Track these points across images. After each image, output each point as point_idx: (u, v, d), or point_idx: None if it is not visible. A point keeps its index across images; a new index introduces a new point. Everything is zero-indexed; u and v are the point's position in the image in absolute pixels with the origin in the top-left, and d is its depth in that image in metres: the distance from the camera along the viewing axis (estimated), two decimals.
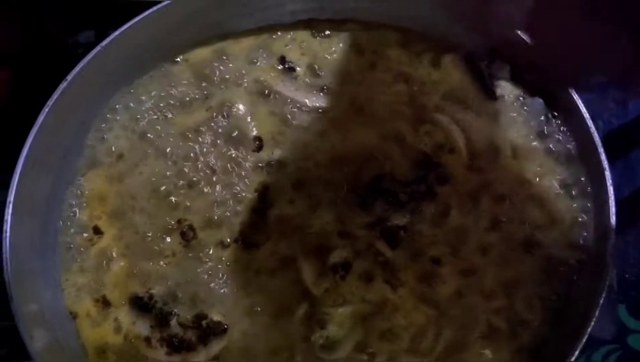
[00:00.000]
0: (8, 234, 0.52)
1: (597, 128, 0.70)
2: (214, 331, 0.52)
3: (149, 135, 0.62)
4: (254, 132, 0.61)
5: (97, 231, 0.57)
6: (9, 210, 0.53)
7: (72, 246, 0.57)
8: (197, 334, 0.52)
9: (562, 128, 0.59)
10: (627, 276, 0.66)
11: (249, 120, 0.62)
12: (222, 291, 0.54)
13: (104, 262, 0.56)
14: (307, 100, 0.63)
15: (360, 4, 0.67)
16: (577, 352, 0.47)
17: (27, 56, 0.85)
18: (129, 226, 0.58)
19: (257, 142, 0.61)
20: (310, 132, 0.61)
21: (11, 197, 0.53)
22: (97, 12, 0.92)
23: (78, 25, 0.89)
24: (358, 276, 0.55)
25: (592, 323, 0.47)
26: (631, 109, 0.75)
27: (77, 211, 0.59)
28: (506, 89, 0.62)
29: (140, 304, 0.53)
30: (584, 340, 0.47)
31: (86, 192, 0.59)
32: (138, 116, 0.62)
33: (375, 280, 0.54)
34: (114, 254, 0.56)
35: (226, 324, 0.53)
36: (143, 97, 0.63)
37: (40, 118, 0.56)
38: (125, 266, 0.56)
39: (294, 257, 0.55)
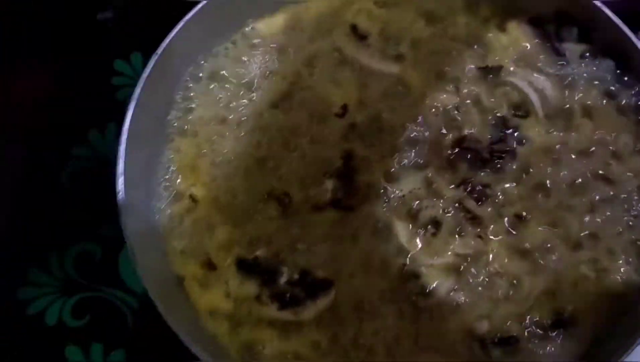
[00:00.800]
0: (122, 195, 0.54)
1: None
2: (321, 286, 0.55)
3: (232, 104, 0.64)
4: (336, 99, 0.63)
5: (193, 198, 0.60)
6: (120, 179, 0.55)
7: (171, 214, 0.59)
8: (304, 290, 0.55)
9: (634, 86, 0.61)
10: None
11: (330, 87, 0.64)
12: (323, 251, 0.57)
13: (205, 228, 0.58)
14: (383, 67, 0.65)
15: None
16: None
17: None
18: (224, 192, 0.60)
19: (342, 109, 0.63)
20: (389, 98, 0.64)
21: (120, 168, 0.55)
22: None
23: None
24: (449, 232, 0.57)
25: None
26: None
27: (172, 179, 0.61)
28: (575, 51, 0.64)
29: (246, 266, 0.56)
30: None
31: (177, 162, 0.62)
32: (219, 85, 0.65)
33: (466, 235, 0.57)
34: (214, 221, 0.59)
35: (332, 279, 0.55)
36: (224, 66, 0.65)
37: (137, 90, 0.59)
38: (226, 231, 0.58)
39: (387, 220, 0.58)
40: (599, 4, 0.62)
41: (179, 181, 0.61)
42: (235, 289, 0.55)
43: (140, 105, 0.58)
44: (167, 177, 0.61)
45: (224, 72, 0.66)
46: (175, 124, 0.64)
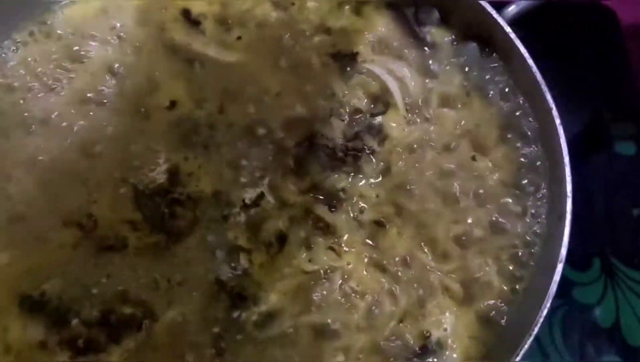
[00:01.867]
0: None
1: None
2: (127, 325, 0.43)
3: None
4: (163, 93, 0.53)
5: None
6: None
7: None
8: (105, 332, 0.43)
9: (499, 73, 0.55)
10: None
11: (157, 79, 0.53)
12: (132, 283, 0.45)
13: None
14: (220, 57, 0.55)
15: None
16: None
17: None
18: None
19: (170, 104, 0.52)
20: (225, 91, 0.53)
21: None
22: None
23: None
24: (297, 245, 0.47)
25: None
26: None
27: None
28: (437, 35, 0.57)
29: (31, 304, 0.43)
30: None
31: None
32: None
33: (317, 248, 0.47)
34: None
35: (141, 316, 0.44)
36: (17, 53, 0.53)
37: None
38: (9, 262, 0.45)
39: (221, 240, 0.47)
40: None
41: None
42: (17, 335, 0.42)
43: None
44: None
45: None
46: None
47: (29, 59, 0.54)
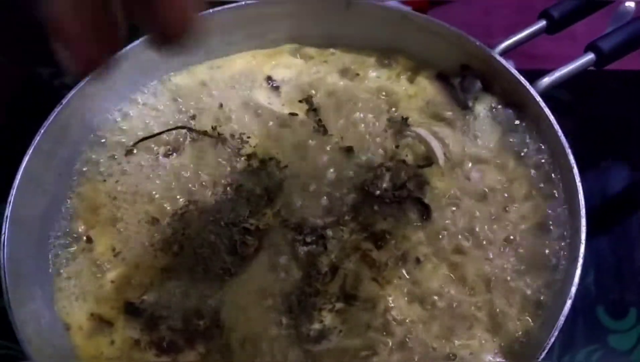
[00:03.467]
0: (5, 246, 0.54)
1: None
2: (200, 334, 0.53)
3: (135, 152, 0.65)
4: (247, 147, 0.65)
5: (89, 240, 0.59)
6: (5, 224, 0.55)
7: (65, 256, 0.58)
8: (183, 337, 0.53)
9: (532, 136, 0.63)
10: (603, 278, 0.68)
11: (241, 135, 0.65)
12: (211, 301, 0.55)
13: (97, 271, 0.57)
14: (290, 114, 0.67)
15: (343, 31, 0.72)
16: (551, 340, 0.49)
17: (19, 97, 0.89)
18: (122, 235, 0.59)
19: (251, 158, 0.64)
20: (297, 145, 0.65)
21: (8, 212, 0.55)
22: None
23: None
24: (345, 275, 0.56)
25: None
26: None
27: (70, 222, 0.61)
28: (478, 102, 0.66)
29: (133, 310, 0.55)
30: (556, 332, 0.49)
31: (79, 204, 0.62)
32: (125, 140, 0.66)
33: (363, 279, 0.56)
34: (107, 264, 0.58)
35: (215, 329, 0.54)
36: (131, 122, 0.66)
37: (36, 139, 0.59)
38: (118, 275, 0.57)
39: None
40: (497, 56, 0.64)
41: (76, 223, 0.61)
42: (120, 332, 0.54)
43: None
44: (67, 221, 0.61)
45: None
46: (79, 171, 0.63)
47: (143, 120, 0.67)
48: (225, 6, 0.70)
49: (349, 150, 0.63)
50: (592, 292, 0.68)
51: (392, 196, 0.60)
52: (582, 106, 0.80)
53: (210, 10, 0.69)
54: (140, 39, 0.65)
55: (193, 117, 0.67)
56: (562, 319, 0.49)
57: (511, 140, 0.63)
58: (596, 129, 0.78)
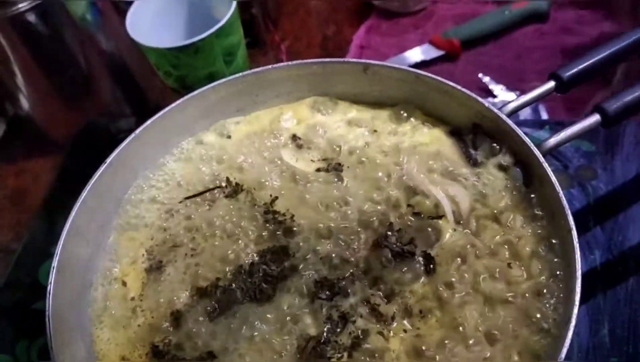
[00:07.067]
0: (51, 294, 0.61)
1: (586, 194, 0.77)
2: None
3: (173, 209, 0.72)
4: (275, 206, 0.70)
5: (124, 284, 0.66)
6: (52, 274, 0.62)
7: (103, 302, 0.66)
8: None
9: (538, 195, 0.65)
10: (618, 331, 0.69)
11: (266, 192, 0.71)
12: (233, 347, 0.61)
13: (130, 317, 0.64)
14: (314, 171, 0.73)
15: (362, 90, 0.77)
16: None
17: (78, 143, 0.99)
18: (156, 284, 0.66)
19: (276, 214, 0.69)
20: (320, 199, 0.70)
21: (55, 263, 0.63)
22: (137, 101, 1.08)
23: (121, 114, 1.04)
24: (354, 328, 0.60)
25: None
26: (618, 175, 0.81)
27: (111, 270, 0.68)
28: (489, 160, 0.69)
29: (159, 353, 0.61)
30: None
31: (119, 252, 0.69)
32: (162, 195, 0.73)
33: (370, 331, 0.60)
34: (139, 309, 0.64)
35: None
36: (169, 177, 0.74)
37: (82, 195, 0.67)
38: (146, 321, 0.63)
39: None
40: (504, 117, 0.67)
41: (116, 270, 0.68)
42: None
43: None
44: (109, 270, 0.68)
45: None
46: (121, 223, 0.71)
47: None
48: (256, 69, 0.78)
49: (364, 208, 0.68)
50: (607, 344, 0.69)
51: (401, 251, 0.64)
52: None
53: (242, 74, 0.76)
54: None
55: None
56: None
57: (518, 198, 0.66)
58: None
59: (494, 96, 0.98)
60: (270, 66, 0.76)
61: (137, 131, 0.72)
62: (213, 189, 0.72)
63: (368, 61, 0.75)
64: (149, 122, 0.73)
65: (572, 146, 0.84)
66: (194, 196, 0.72)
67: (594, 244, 0.75)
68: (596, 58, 0.68)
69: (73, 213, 0.66)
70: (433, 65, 1.04)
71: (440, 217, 0.66)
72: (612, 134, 0.84)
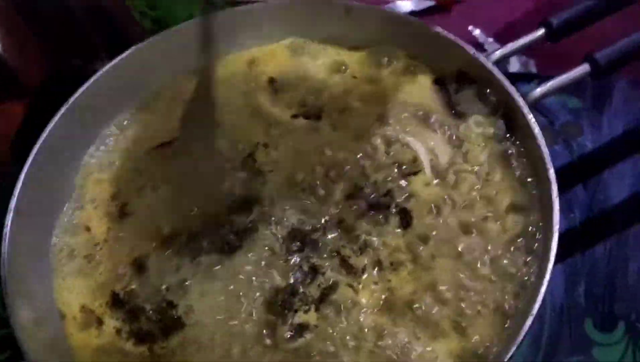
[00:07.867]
0: (8, 237, 0.58)
1: (571, 151, 0.75)
2: (174, 326, 0.57)
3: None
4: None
5: (88, 230, 0.63)
6: (9, 216, 0.59)
7: (64, 248, 0.63)
8: (160, 328, 0.57)
9: (520, 149, 0.63)
10: (594, 290, 0.68)
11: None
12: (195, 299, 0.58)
13: (92, 263, 0.62)
14: (290, 118, 0.69)
15: (344, 32, 0.73)
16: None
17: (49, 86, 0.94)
18: (120, 230, 0.63)
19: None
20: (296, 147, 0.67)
21: (12, 204, 0.60)
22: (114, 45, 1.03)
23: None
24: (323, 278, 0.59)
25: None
26: (605, 133, 0.79)
27: (74, 214, 0.65)
28: (472, 111, 0.66)
29: (119, 301, 0.59)
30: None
31: (85, 195, 0.66)
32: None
33: (339, 284, 0.58)
34: (100, 256, 0.62)
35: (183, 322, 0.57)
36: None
37: (42, 136, 0.64)
38: (109, 267, 0.61)
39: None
40: (489, 65, 0.64)
41: (79, 215, 0.65)
42: (108, 325, 0.58)
43: None
44: (71, 214, 0.65)
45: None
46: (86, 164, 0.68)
47: None
48: (235, 8, 0.73)
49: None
50: (582, 303, 0.68)
51: (377, 203, 0.62)
52: None
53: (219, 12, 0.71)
54: None
55: None
56: (521, 336, 0.49)
57: (500, 151, 0.63)
58: None
59: (484, 50, 0.94)
60: (249, 5, 0.72)
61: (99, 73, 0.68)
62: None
63: (351, 3, 0.71)
64: (115, 60, 0.69)
65: (558, 102, 0.81)
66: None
67: (575, 203, 0.73)
68: (588, 5, 0.65)
69: (33, 153, 0.63)
70: (423, 16, 1.00)
71: (417, 171, 0.64)
72: (600, 91, 0.81)
